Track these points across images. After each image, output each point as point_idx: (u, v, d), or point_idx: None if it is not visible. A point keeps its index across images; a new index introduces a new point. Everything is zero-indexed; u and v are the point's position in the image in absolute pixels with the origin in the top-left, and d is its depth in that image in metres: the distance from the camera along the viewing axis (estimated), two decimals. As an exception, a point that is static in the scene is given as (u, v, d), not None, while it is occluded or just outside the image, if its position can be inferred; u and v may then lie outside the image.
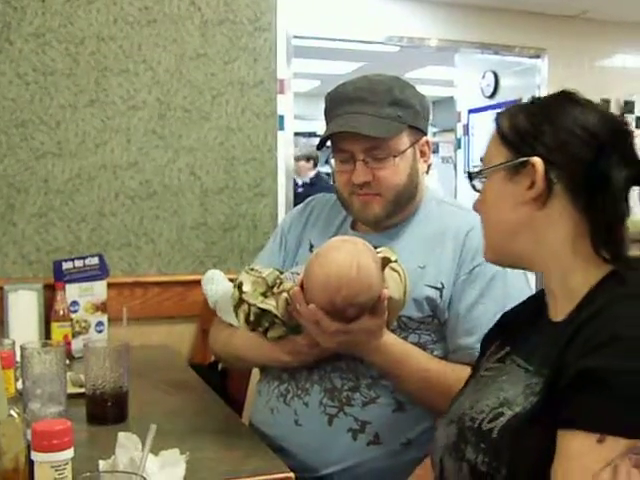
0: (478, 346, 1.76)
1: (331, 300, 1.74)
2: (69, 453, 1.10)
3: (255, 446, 1.83)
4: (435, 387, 1.86)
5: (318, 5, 6.00)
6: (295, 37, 5.88)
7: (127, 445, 1.49)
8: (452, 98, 7.62)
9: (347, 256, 1.77)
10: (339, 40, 6.39)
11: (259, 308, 1.88)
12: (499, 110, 1.50)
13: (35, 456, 1.09)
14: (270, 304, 1.87)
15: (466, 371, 1.68)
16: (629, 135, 1.39)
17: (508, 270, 1.91)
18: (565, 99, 1.43)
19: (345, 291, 1.73)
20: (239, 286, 1.92)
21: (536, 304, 1.53)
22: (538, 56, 6.93)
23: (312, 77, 9.63)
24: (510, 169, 1.41)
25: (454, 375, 1.81)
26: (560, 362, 1.27)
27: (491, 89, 7.42)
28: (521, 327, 1.53)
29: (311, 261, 1.81)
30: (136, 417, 1.97)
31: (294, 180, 8.41)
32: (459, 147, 7.50)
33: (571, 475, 1.19)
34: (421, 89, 2.06)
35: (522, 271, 1.95)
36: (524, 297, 1.66)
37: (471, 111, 7.37)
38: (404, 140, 1.99)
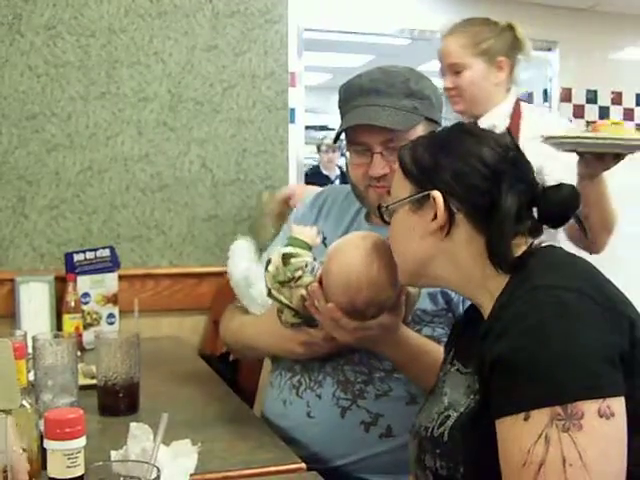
0: None
1: (351, 301, 1.74)
2: (82, 441, 1.10)
3: (267, 437, 1.83)
4: None
5: (329, -2, 6.00)
6: (306, 30, 5.88)
7: (139, 435, 1.49)
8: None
9: (367, 257, 1.75)
10: (350, 33, 6.38)
11: (273, 295, 1.88)
12: (402, 145, 1.58)
13: (48, 444, 1.09)
14: (283, 295, 1.87)
15: None
16: (518, 160, 1.46)
17: None
18: (462, 131, 1.51)
19: (366, 292, 1.73)
20: (267, 263, 1.91)
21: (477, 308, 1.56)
22: (549, 49, 6.90)
23: (323, 70, 9.60)
24: (414, 202, 1.49)
25: None
26: (480, 358, 1.32)
27: (502, 82, 7.40)
28: (465, 331, 1.58)
29: (330, 259, 1.80)
30: (147, 408, 1.97)
31: (325, 175, 8.42)
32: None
33: (511, 458, 1.23)
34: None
35: None
36: None
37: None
38: (420, 132, 1.97)
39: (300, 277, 1.84)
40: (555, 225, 1.51)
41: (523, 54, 2.82)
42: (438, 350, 1.90)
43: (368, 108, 1.94)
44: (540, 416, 1.20)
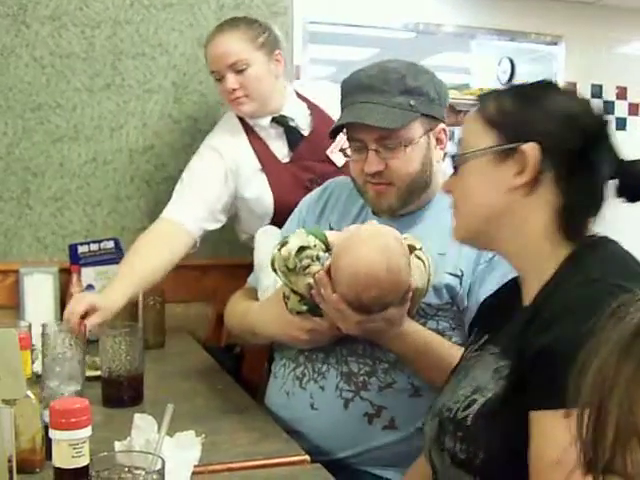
0: None
1: (357, 297, 1.75)
2: (87, 431, 1.10)
3: (270, 429, 1.84)
4: None
5: (334, -9, 5.99)
6: (311, 23, 5.87)
7: (143, 426, 1.49)
8: (468, 85, 7.58)
9: (377, 254, 1.76)
10: (355, 26, 6.38)
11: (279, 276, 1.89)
12: (482, 92, 1.49)
13: (53, 434, 1.09)
14: (289, 279, 1.87)
15: None
16: (609, 126, 1.40)
17: None
18: (548, 86, 1.44)
19: (374, 291, 1.74)
20: (281, 245, 1.90)
21: (513, 289, 1.53)
22: (555, 43, 6.90)
23: (328, 63, 9.59)
24: (498, 154, 1.40)
25: None
26: (521, 344, 1.29)
27: (507, 76, 7.38)
28: (498, 314, 1.53)
29: (340, 252, 1.80)
30: (151, 399, 1.98)
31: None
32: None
33: (544, 453, 1.21)
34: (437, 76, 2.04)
35: None
36: None
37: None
38: (416, 129, 1.97)
39: (309, 265, 1.85)
40: (633, 199, 1.42)
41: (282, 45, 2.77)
42: (442, 343, 1.91)
43: (362, 105, 1.95)
44: None
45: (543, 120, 1.36)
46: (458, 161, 1.47)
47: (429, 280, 1.86)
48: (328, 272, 1.80)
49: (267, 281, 2.12)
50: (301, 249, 1.86)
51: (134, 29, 2.96)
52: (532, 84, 1.46)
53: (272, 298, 2.04)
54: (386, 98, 1.94)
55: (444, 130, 2.04)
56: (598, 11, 6.84)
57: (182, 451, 1.50)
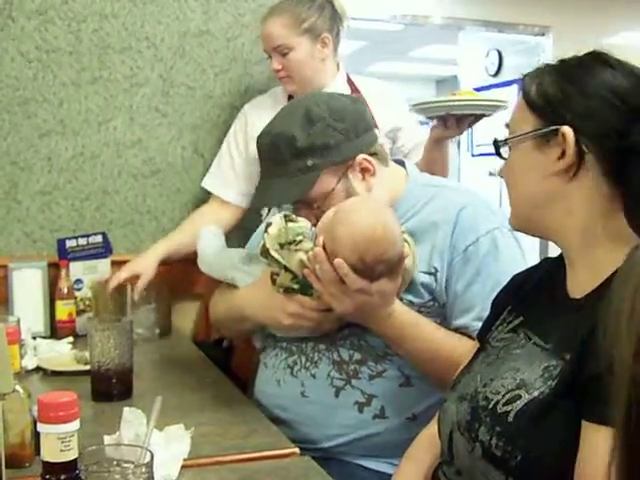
0: (475, 324, 1.78)
1: (361, 257, 1.76)
2: (75, 425, 1.10)
3: (260, 422, 1.84)
4: (443, 358, 1.85)
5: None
6: (298, 15, 5.86)
7: (132, 420, 1.49)
8: (455, 77, 7.60)
9: (373, 214, 1.80)
10: (342, 18, 6.37)
11: (271, 255, 1.89)
12: (526, 72, 1.43)
13: (41, 427, 1.09)
14: (282, 255, 1.88)
15: (472, 343, 1.69)
16: None
17: (501, 245, 1.91)
18: (595, 61, 1.37)
19: (374, 249, 1.76)
20: (267, 226, 1.93)
21: (550, 271, 1.50)
22: (543, 34, 6.92)
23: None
24: (539, 138, 1.36)
25: (462, 346, 1.81)
26: (584, 348, 1.23)
27: (495, 67, 7.42)
28: (536, 297, 1.49)
29: (334, 221, 1.81)
30: (141, 393, 1.98)
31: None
32: (463, 126, 7.48)
33: (597, 472, 1.15)
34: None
35: (515, 243, 1.94)
36: (520, 269, 1.65)
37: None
38: (327, 181, 1.95)
39: (301, 241, 1.86)
40: None
41: (342, 26, 2.82)
42: (430, 326, 1.90)
43: (264, 184, 2.03)
44: None
45: (582, 100, 1.31)
46: (501, 146, 1.45)
47: (415, 262, 1.88)
48: (324, 247, 1.81)
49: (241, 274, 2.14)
50: (287, 218, 1.90)
51: (120, 23, 2.95)
52: (580, 58, 1.39)
53: (258, 281, 2.04)
54: (282, 168, 1.94)
55: (365, 159, 1.98)
56: (586, 2, 6.86)
57: (171, 444, 1.51)
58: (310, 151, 1.92)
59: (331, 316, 1.89)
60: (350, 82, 2.88)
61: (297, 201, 1.99)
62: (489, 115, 2.49)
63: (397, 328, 1.87)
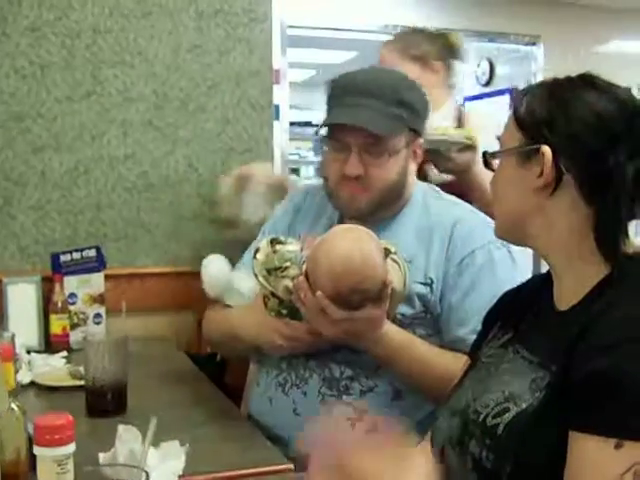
0: (472, 337, 1.78)
1: (336, 287, 1.76)
2: (71, 447, 1.11)
3: (254, 438, 1.85)
4: (436, 376, 1.86)
5: (313, -6, 6.01)
6: (290, 27, 5.89)
7: (127, 438, 1.50)
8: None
9: (350, 244, 1.79)
10: (334, 29, 6.39)
11: (259, 280, 1.91)
12: (519, 88, 1.47)
13: (37, 450, 1.10)
14: (269, 282, 1.89)
15: (465, 359, 1.70)
16: None
17: (496, 258, 1.94)
18: (584, 82, 1.38)
19: (350, 278, 1.75)
20: (255, 252, 1.95)
21: (538, 287, 1.51)
22: (534, 43, 6.94)
23: (307, 67, 9.61)
24: (522, 155, 1.38)
25: (455, 364, 1.81)
26: (568, 359, 1.25)
27: (486, 77, 7.43)
28: (524, 311, 1.50)
29: (315, 250, 1.82)
30: (135, 408, 1.99)
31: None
32: (454, 135, 7.48)
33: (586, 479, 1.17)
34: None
35: (510, 258, 1.96)
36: (515, 285, 1.67)
37: (466, 99, 7.37)
38: (402, 140, 1.99)
39: (287, 268, 1.87)
40: None
41: (457, 59, 2.86)
42: (422, 345, 1.92)
43: (356, 108, 1.95)
44: (633, 448, 1.13)
45: (565, 122, 1.33)
46: (488, 159, 1.48)
47: (405, 283, 1.87)
48: (307, 276, 1.82)
49: (237, 297, 2.15)
50: (274, 242, 1.91)
51: (114, 38, 2.97)
52: (570, 79, 1.41)
53: (252, 303, 2.05)
54: (381, 105, 1.94)
55: (421, 145, 2.06)
56: (576, 11, 6.89)
57: (166, 461, 1.51)
58: (406, 105, 1.97)
59: (324, 337, 1.90)
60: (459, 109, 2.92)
61: (365, 143, 1.95)
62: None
63: (389, 349, 1.88)
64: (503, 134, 1.46)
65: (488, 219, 2.00)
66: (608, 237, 1.32)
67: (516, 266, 1.98)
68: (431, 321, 1.96)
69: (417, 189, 2.10)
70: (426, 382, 1.89)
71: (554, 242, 1.38)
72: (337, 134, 1.99)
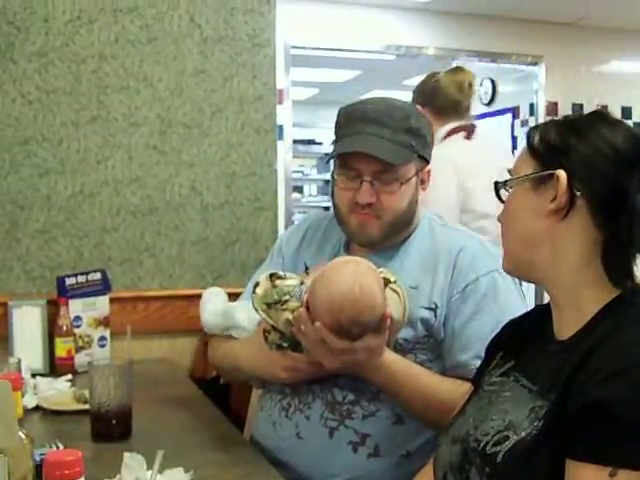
0: (475, 362, 1.80)
1: (336, 319, 1.77)
2: (80, 482, 1.13)
3: (257, 463, 1.86)
4: (438, 403, 1.88)
5: (316, 15, 6.04)
6: (293, 47, 5.92)
7: (132, 465, 1.52)
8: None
9: (350, 276, 1.80)
10: (337, 50, 6.42)
11: (259, 314, 1.94)
12: (532, 126, 1.51)
13: (47, 486, 1.12)
14: (269, 316, 1.92)
15: (467, 386, 1.71)
16: None
17: (500, 286, 1.96)
18: (597, 117, 1.43)
19: (349, 311, 1.77)
20: (255, 286, 1.97)
21: (540, 317, 1.54)
22: (535, 63, 6.97)
23: (310, 85, 9.64)
24: (535, 180, 1.42)
25: (456, 391, 1.83)
26: (566, 388, 1.27)
27: (489, 96, 7.45)
28: (525, 341, 1.53)
29: (315, 282, 1.84)
30: (140, 432, 2.00)
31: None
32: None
33: None
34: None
35: (515, 287, 1.99)
36: (519, 312, 1.69)
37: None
38: (411, 168, 2.02)
39: (287, 301, 1.89)
40: None
41: (452, 98, 2.94)
42: (423, 373, 1.94)
43: (369, 137, 1.97)
44: (628, 477, 1.15)
45: (581, 148, 1.38)
46: (500, 188, 1.51)
47: (405, 312, 1.89)
48: (307, 307, 1.84)
49: (233, 329, 2.18)
50: (273, 277, 1.94)
51: (119, 63, 3.00)
52: (582, 115, 1.47)
53: (253, 336, 2.08)
54: (392, 133, 1.97)
55: (429, 172, 2.09)
56: (577, 31, 6.92)
57: (171, 489, 1.54)
58: (416, 134, 2.00)
59: (325, 368, 1.92)
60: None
61: (377, 171, 1.98)
62: None
63: (389, 377, 1.90)
64: (515, 164, 1.50)
65: (492, 248, 2.02)
66: (620, 261, 1.36)
67: (520, 294, 2.00)
68: (433, 346, 1.98)
69: (423, 217, 2.13)
70: (426, 409, 1.91)
71: (560, 270, 1.41)
72: (349, 162, 2.01)
